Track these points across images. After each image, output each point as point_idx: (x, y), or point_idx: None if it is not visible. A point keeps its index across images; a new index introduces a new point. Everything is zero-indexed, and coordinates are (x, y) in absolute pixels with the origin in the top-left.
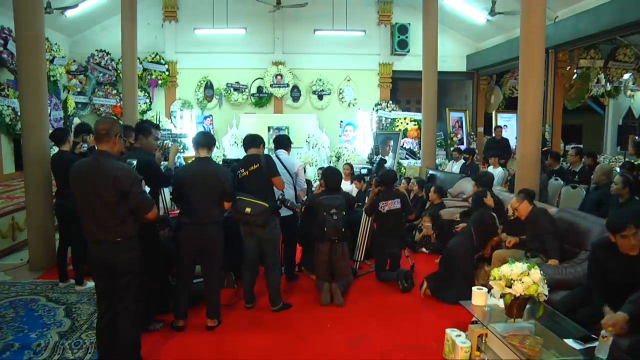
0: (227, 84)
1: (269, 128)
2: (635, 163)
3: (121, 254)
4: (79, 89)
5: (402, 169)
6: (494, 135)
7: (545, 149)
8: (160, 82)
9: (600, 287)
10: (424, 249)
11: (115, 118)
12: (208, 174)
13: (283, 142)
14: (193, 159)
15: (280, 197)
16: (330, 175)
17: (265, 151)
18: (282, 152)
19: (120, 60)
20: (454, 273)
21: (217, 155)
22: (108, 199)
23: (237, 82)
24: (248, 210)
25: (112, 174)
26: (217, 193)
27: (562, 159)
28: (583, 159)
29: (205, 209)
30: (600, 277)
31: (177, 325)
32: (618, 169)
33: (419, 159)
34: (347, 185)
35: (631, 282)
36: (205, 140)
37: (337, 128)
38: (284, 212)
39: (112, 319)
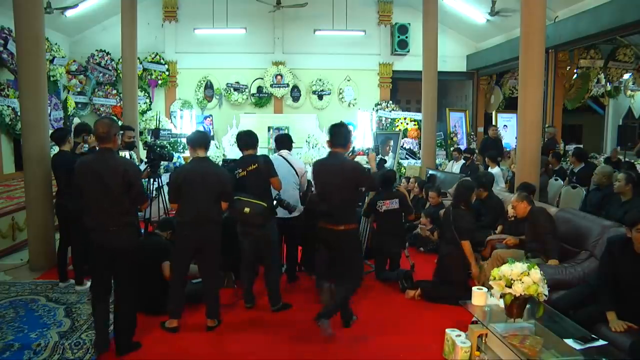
0: (227, 84)
1: (269, 128)
2: (636, 163)
3: (123, 241)
4: (79, 89)
5: (402, 169)
6: (489, 134)
7: (553, 151)
8: (160, 82)
9: (609, 285)
10: (422, 248)
11: (114, 118)
12: (208, 175)
13: (285, 141)
14: (190, 159)
15: (277, 197)
16: None
17: (264, 150)
18: (285, 153)
19: (120, 60)
20: (446, 281)
21: (217, 155)
22: (116, 190)
23: (237, 82)
24: (247, 210)
25: (122, 167)
26: (216, 193)
27: (562, 158)
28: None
29: (203, 209)
30: (610, 274)
31: (171, 326)
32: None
33: (419, 159)
34: None
35: None
36: (204, 139)
37: None
38: (288, 213)
39: (104, 307)
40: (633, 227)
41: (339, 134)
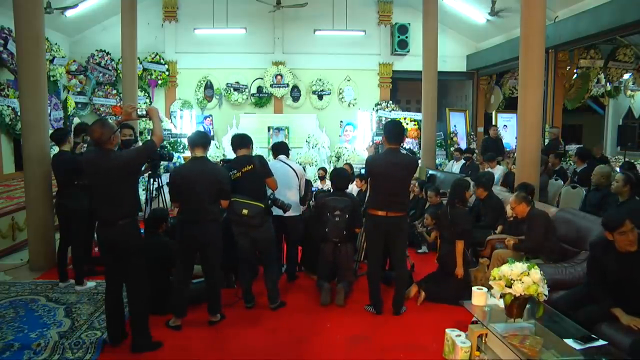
0: (227, 84)
1: (269, 128)
2: (636, 163)
3: (126, 235)
4: (79, 89)
5: None
6: (489, 134)
7: (555, 152)
8: (160, 82)
9: (602, 286)
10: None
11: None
12: (205, 174)
13: (282, 148)
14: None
15: (272, 196)
16: (338, 178)
17: (264, 150)
18: (284, 158)
19: (120, 60)
20: (448, 279)
21: (217, 155)
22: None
23: (237, 82)
24: (245, 211)
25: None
26: (214, 192)
27: (562, 158)
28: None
29: (203, 208)
30: (600, 276)
31: (175, 324)
32: (618, 169)
33: (419, 159)
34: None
35: (630, 279)
36: (203, 139)
37: (337, 128)
38: (289, 212)
39: (117, 299)
40: (614, 231)
41: (398, 132)
